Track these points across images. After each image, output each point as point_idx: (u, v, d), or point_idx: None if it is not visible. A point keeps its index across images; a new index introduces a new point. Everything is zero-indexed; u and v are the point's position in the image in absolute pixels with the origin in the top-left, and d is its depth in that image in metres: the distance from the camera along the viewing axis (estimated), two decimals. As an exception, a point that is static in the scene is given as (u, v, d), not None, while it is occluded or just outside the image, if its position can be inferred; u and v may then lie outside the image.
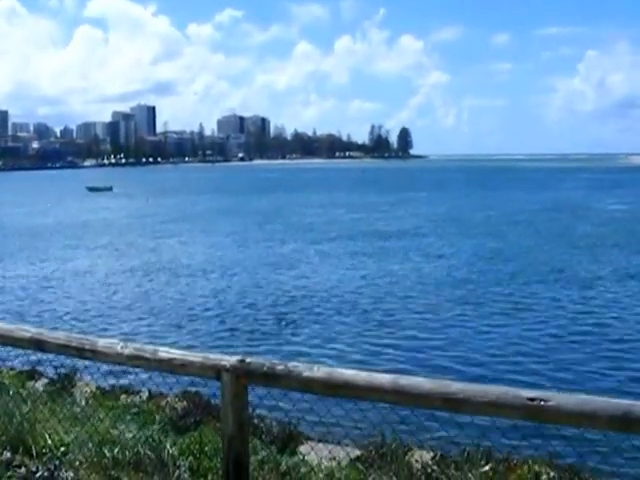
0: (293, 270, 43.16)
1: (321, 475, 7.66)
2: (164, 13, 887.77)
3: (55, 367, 14.10)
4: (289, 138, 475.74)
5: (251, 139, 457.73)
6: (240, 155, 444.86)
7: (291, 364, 5.60)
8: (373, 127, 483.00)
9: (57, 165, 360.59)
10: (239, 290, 36.79)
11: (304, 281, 39.19)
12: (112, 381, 13.18)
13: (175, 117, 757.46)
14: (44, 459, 7.14)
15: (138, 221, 79.81)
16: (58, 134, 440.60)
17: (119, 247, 56.10)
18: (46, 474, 6.85)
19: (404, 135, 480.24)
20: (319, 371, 5.45)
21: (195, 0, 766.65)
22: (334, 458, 8.46)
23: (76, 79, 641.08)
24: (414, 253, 49.74)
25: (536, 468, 9.98)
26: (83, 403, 11.33)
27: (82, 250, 54.50)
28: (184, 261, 47.50)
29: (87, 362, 7.88)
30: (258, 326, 28.70)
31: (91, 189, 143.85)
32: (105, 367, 7.78)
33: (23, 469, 6.99)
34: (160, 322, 30.08)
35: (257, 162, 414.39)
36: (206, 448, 8.02)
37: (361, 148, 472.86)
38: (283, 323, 29.09)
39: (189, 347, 7.41)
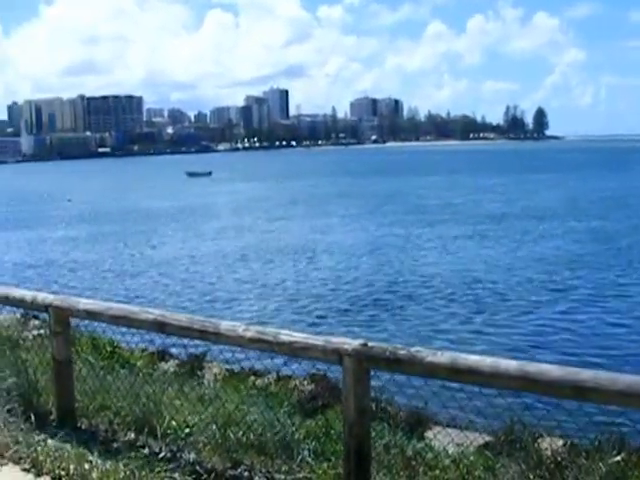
0: (402, 253, 43.25)
1: (447, 461, 7.50)
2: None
3: (185, 348, 14.31)
4: (422, 120, 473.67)
5: (384, 121, 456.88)
6: (373, 137, 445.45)
7: (414, 349, 5.51)
8: (508, 108, 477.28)
9: (192, 150, 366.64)
10: (349, 273, 37.15)
11: (413, 264, 39.25)
12: (242, 363, 13.26)
13: (307, 100, 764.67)
14: (167, 440, 7.20)
15: (242, 205, 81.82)
16: (192, 119, 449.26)
17: (234, 230, 57.34)
18: (169, 455, 6.92)
19: (540, 115, 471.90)
20: (443, 356, 5.36)
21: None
22: (461, 444, 8.31)
23: (208, 64, 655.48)
24: (524, 236, 49.17)
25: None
26: (210, 385, 11.46)
27: (194, 233, 56.15)
28: (298, 243, 48.26)
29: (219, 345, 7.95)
30: (370, 309, 28.75)
31: (190, 174, 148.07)
32: (236, 349, 7.75)
33: (146, 449, 7.07)
34: (272, 304, 30.48)
35: (390, 144, 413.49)
36: (332, 431, 7.94)
37: (496, 129, 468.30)
38: (392, 306, 28.98)
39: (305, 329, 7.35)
